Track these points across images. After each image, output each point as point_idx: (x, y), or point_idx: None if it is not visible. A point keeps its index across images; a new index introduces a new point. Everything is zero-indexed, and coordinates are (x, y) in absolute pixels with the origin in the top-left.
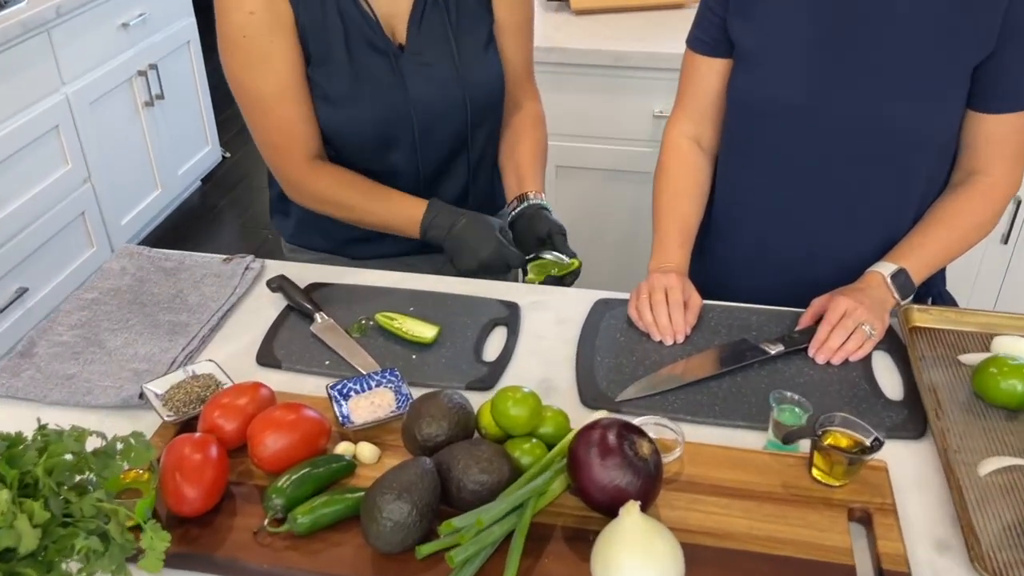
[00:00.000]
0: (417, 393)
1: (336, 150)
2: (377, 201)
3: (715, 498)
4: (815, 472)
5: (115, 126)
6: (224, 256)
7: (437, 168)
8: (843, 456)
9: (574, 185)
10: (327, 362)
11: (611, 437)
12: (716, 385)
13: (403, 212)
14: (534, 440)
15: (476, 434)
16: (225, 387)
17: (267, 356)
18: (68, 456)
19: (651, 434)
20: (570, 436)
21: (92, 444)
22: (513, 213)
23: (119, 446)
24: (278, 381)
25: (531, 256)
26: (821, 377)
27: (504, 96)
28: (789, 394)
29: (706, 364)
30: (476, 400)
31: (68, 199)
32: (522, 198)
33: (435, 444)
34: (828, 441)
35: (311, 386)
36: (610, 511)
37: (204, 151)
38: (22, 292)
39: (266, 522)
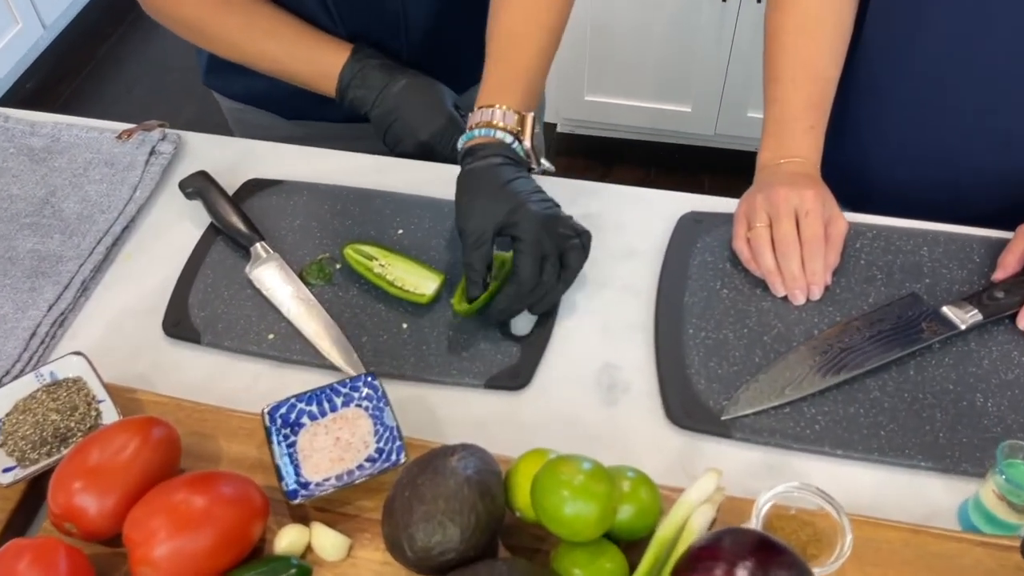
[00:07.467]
0: (406, 396)
1: None
2: (271, 36)
3: None
4: None
5: None
6: (122, 128)
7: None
8: None
9: None
10: (271, 335)
11: None
12: (876, 385)
13: (313, 59)
14: (606, 547)
15: (507, 511)
16: (100, 408)
17: (179, 322)
18: None
19: (792, 508)
20: (664, 534)
21: None
22: (461, 146)
23: None
24: (197, 367)
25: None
26: None
27: None
28: None
29: (859, 345)
30: (503, 409)
31: None
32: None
33: (440, 564)
34: None
35: (246, 376)
36: None
37: None
38: None
39: None
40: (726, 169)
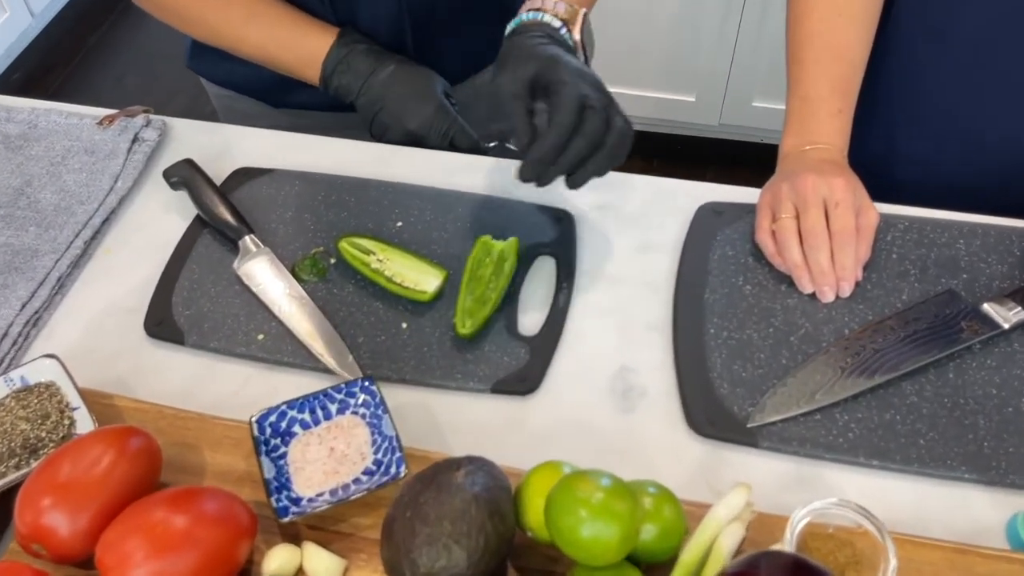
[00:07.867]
0: (405, 401)
1: None
2: (253, 19)
3: None
4: None
5: None
6: (104, 114)
7: None
8: None
9: None
10: (260, 336)
11: None
12: (913, 390)
13: (296, 44)
14: (627, 570)
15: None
16: (74, 416)
17: (162, 322)
18: None
19: (829, 526)
20: (690, 557)
21: None
22: (508, 30)
23: None
24: (180, 370)
25: (493, 143)
26: None
27: None
28: None
29: (893, 346)
30: (510, 416)
31: None
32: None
33: None
34: None
35: (234, 380)
36: None
37: None
38: None
39: None
40: (730, 161)
